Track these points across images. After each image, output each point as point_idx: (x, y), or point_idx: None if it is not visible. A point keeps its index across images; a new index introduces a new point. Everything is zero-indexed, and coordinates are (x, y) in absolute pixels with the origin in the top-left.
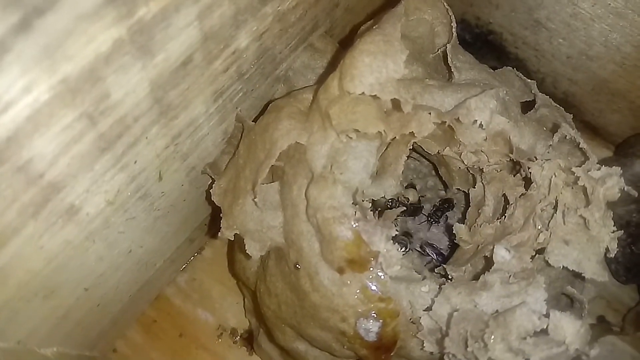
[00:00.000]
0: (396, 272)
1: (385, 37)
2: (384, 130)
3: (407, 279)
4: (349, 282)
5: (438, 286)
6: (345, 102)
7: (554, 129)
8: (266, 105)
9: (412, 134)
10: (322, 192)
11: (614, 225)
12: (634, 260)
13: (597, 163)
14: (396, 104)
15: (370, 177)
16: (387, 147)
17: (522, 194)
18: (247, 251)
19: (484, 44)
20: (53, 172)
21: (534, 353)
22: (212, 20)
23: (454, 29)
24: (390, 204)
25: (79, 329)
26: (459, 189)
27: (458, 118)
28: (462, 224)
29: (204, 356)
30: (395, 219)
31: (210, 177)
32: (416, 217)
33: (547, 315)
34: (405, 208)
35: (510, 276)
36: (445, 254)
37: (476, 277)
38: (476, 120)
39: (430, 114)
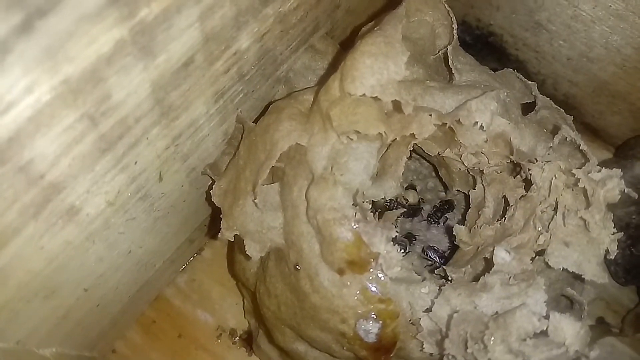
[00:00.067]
0: (396, 273)
1: (387, 39)
2: (385, 132)
3: (407, 280)
4: (349, 283)
5: (438, 287)
6: (346, 103)
7: (555, 130)
8: (267, 107)
9: (412, 135)
10: (323, 194)
11: (614, 227)
12: (634, 262)
13: (597, 165)
14: (397, 106)
15: (371, 179)
16: (387, 149)
17: (523, 196)
18: (247, 252)
19: (485, 46)
20: (54, 173)
21: (534, 354)
22: (213, 22)
23: (454, 31)
24: (389, 205)
25: (78, 330)
26: (459, 191)
27: (459, 120)
28: (462, 226)
29: (203, 357)
30: (395, 220)
31: (211, 178)
32: (414, 219)
33: (547, 317)
34: (404, 209)
35: (510, 278)
36: (446, 256)
37: (476, 279)
38: (477, 122)
39: (431, 115)
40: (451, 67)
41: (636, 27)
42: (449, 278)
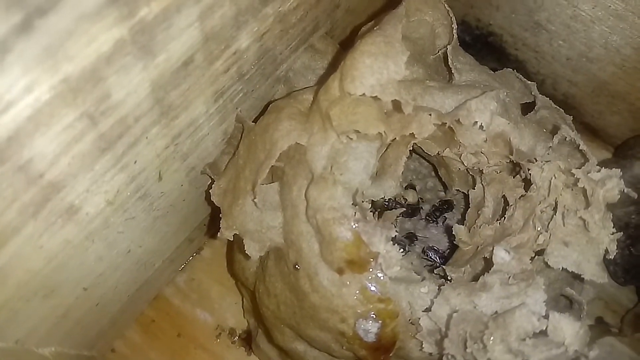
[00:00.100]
0: (396, 273)
1: (386, 39)
2: (385, 131)
3: (406, 280)
4: (348, 282)
5: (437, 287)
6: (345, 103)
7: (554, 130)
8: (266, 106)
9: (412, 135)
10: (322, 193)
11: (613, 227)
12: (633, 262)
13: (597, 165)
14: (397, 105)
15: (370, 178)
16: (387, 148)
17: (522, 196)
18: (246, 251)
19: (484, 46)
20: (53, 172)
21: (533, 354)
22: (213, 21)
23: (454, 31)
24: (387, 204)
25: (77, 329)
26: (458, 190)
27: (458, 119)
28: (461, 225)
29: (202, 356)
30: (395, 220)
31: (210, 177)
32: (413, 218)
33: (546, 317)
34: (404, 209)
35: (509, 277)
36: (446, 255)
37: (475, 278)
38: (476, 122)
39: (430, 115)
40: (451, 66)
41: (636, 27)
42: (449, 278)
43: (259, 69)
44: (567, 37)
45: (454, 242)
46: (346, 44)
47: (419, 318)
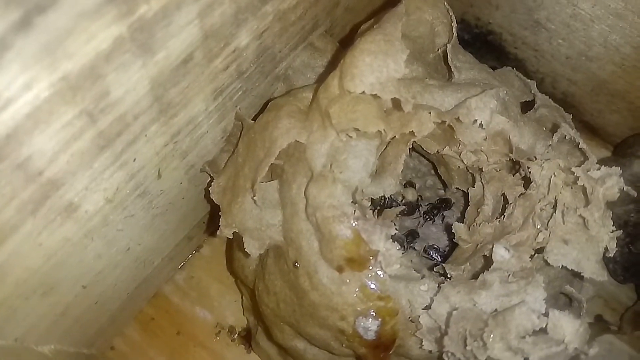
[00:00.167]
0: (395, 270)
1: (386, 37)
2: (384, 130)
3: (406, 278)
4: (348, 280)
5: (437, 285)
6: (345, 101)
7: (554, 129)
8: (266, 104)
9: (412, 133)
10: (322, 191)
11: (613, 225)
12: (632, 260)
13: (596, 163)
14: (396, 103)
15: (370, 176)
16: (386, 146)
17: (522, 194)
18: (245, 249)
19: (484, 44)
20: (52, 170)
21: (533, 352)
22: (212, 19)
23: (454, 29)
24: (383, 202)
25: (77, 327)
26: (458, 188)
27: (458, 117)
28: (461, 223)
29: (201, 354)
30: (395, 218)
31: (209, 175)
32: (411, 216)
33: (546, 314)
34: (403, 207)
35: (509, 275)
36: (446, 253)
37: (475, 276)
38: (476, 120)
39: (430, 113)
40: (450, 65)
41: (635, 26)
42: (448, 275)
43: (259, 66)
44: (567, 36)
45: (454, 240)
46: (346, 42)
47: (419, 316)
